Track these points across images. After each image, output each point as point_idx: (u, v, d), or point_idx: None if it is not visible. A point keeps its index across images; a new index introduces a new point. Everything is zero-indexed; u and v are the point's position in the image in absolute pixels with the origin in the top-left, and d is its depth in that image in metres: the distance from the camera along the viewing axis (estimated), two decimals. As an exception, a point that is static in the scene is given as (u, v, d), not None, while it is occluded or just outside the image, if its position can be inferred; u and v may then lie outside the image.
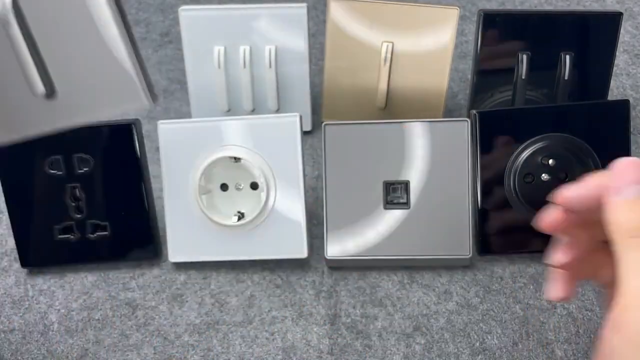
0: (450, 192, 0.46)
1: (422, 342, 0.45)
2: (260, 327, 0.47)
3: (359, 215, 0.47)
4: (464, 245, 0.46)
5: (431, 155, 0.46)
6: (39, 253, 0.49)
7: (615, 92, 0.65)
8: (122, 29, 0.30)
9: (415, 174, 0.46)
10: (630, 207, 0.27)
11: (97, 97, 0.32)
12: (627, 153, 0.47)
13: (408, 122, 0.46)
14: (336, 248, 0.47)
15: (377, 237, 0.47)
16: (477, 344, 0.45)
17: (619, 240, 0.27)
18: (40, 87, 0.32)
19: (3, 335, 0.46)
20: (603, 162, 0.47)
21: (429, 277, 0.49)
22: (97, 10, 0.30)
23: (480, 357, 0.44)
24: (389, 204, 0.46)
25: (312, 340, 0.46)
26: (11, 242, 0.51)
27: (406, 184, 0.46)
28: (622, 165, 0.28)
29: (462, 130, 0.46)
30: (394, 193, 0.46)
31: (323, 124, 0.47)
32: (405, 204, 0.46)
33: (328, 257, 0.47)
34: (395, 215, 0.46)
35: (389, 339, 0.45)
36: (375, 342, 0.45)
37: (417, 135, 0.46)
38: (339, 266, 0.48)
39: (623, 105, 0.47)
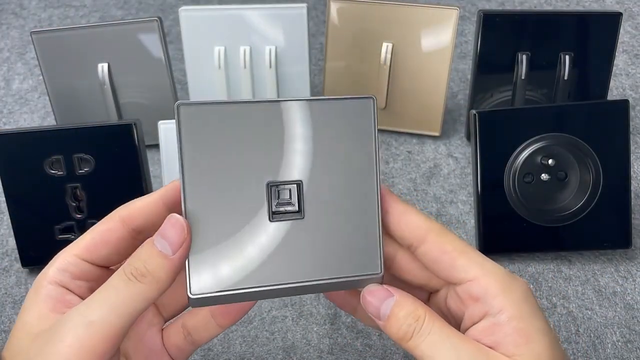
0: (354, 194, 0.32)
1: (422, 341, 0.45)
2: (261, 326, 0.47)
3: (233, 231, 0.31)
4: (373, 260, 0.33)
5: (327, 145, 0.32)
6: (39, 253, 0.50)
7: (614, 92, 0.65)
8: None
9: (307, 171, 0.31)
10: (391, 322, 0.30)
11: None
12: (626, 152, 0.47)
13: (289, 101, 0.31)
14: (204, 280, 0.30)
15: (259, 259, 0.31)
16: (477, 343, 0.45)
17: (406, 347, 0.30)
18: None
19: (3, 335, 0.46)
20: (602, 161, 0.47)
21: (429, 277, 0.49)
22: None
23: (480, 356, 0.44)
24: (276, 214, 0.31)
25: (312, 339, 0.46)
26: (12, 242, 0.51)
27: (297, 185, 0.31)
28: (367, 293, 0.31)
29: (366, 111, 0.32)
30: (282, 198, 0.31)
31: (176, 104, 0.30)
32: (298, 212, 0.31)
33: (192, 296, 0.30)
34: (284, 228, 0.31)
35: (389, 339, 0.46)
36: (375, 342, 0.45)
37: (305, 120, 0.31)
38: (208, 304, 0.31)
39: (622, 105, 0.47)
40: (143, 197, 0.32)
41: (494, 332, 0.29)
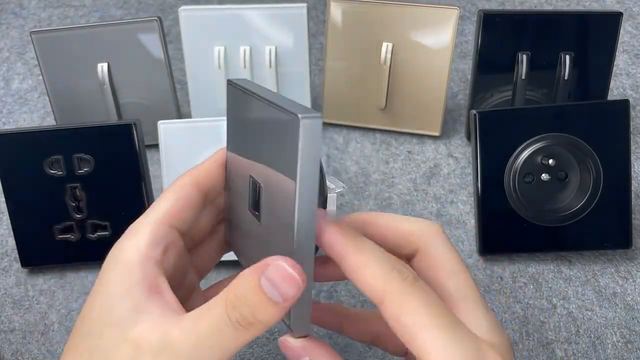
0: (283, 199, 0.26)
1: (422, 341, 0.45)
2: (261, 327, 0.47)
3: (239, 204, 0.32)
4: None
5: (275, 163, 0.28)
6: (39, 253, 0.49)
7: (615, 92, 0.65)
8: None
9: (264, 180, 0.28)
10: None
11: None
12: (626, 152, 0.47)
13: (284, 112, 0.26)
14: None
15: (240, 236, 0.33)
16: (477, 343, 0.45)
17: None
18: None
19: (3, 335, 0.46)
20: (603, 162, 0.47)
21: (429, 277, 0.49)
22: None
23: (480, 356, 0.44)
24: (253, 206, 0.30)
25: (312, 340, 0.46)
26: (11, 242, 0.51)
27: (258, 187, 0.29)
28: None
29: (292, 133, 0.25)
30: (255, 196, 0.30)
31: (227, 81, 0.32)
32: (258, 215, 0.29)
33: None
34: (255, 222, 0.30)
35: (389, 339, 0.46)
36: (375, 342, 0.45)
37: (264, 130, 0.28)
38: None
39: (623, 105, 0.47)
40: (205, 160, 0.32)
41: None
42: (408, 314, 0.25)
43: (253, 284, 0.24)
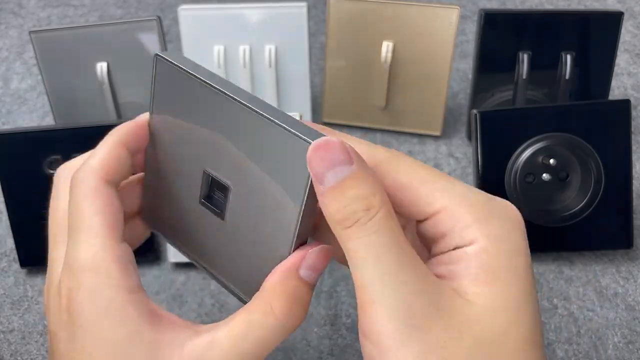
0: (274, 208, 0.27)
1: (423, 342, 0.45)
2: (261, 327, 0.46)
3: (176, 191, 0.31)
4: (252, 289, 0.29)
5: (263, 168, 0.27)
6: (38, 253, 0.49)
7: (616, 91, 0.65)
8: None
9: (238, 180, 0.28)
10: (334, 195, 0.23)
11: None
12: (628, 152, 0.47)
13: (247, 110, 0.26)
14: (149, 212, 0.34)
15: (185, 227, 0.33)
16: (478, 344, 0.45)
17: (337, 234, 0.24)
18: None
19: (2, 336, 0.46)
20: (604, 161, 0.47)
21: (430, 277, 0.49)
22: None
23: (481, 357, 0.44)
24: (205, 201, 0.30)
25: (312, 340, 0.45)
26: (10, 243, 0.51)
27: (225, 189, 0.29)
28: (316, 147, 0.23)
29: (299, 157, 0.25)
30: (213, 189, 0.30)
31: (155, 55, 0.29)
32: (220, 213, 0.29)
33: (144, 217, 0.34)
34: (208, 216, 0.31)
35: (389, 340, 0.45)
36: (375, 343, 0.45)
37: (255, 133, 0.26)
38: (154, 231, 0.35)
39: (624, 105, 0.47)
40: (130, 122, 0.30)
41: (454, 262, 0.24)
42: (407, 172, 0.25)
43: (296, 279, 0.26)
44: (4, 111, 0.65)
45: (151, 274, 0.50)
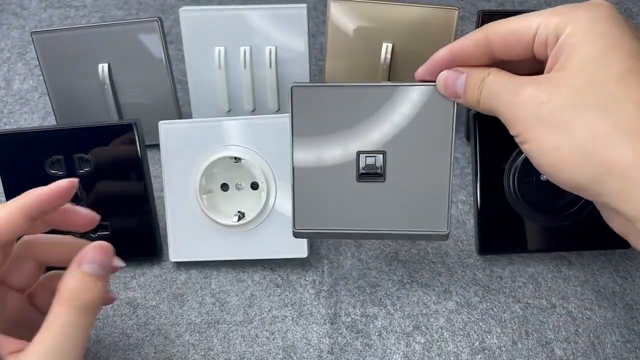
0: (429, 165, 0.40)
1: (422, 341, 0.45)
2: (261, 326, 0.47)
3: (329, 186, 0.41)
4: (441, 220, 0.41)
5: (411, 123, 0.40)
6: (40, 253, 0.50)
7: (614, 92, 0.65)
8: None
9: (391, 144, 0.40)
10: (467, 95, 0.37)
11: None
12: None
13: (378, 87, 0.40)
14: (304, 219, 0.42)
15: (346, 209, 0.42)
16: (477, 343, 0.45)
17: (484, 110, 0.36)
18: None
19: (4, 335, 0.46)
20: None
21: (429, 277, 0.49)
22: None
23: (479, 356, 0.45)
24: (363, 175, 0.41)
25: (312, 339, 0.46)
26: (12, 242, 0.51)
27: (383, 154, 0.40)
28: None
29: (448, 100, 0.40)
30: (368, 163, 0.41)
31: (291, 86, 0.40)
32: (380, 176, 0.40)
33: (295, 230, 0.42)
34: (368, 188, 0.41)
35: (389, 338, 0.46)
36: (375, 342, 0.45)
37: (391, 102, 0.40)
38: (306, 237, 0.46)
39: (622, 106, 0.47)
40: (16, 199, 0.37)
41: (561, 46, 0.32)
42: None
43: (77, 272, 0.34)
44: (5, 111, 0.65)
45: (152, 273, 0.50)
